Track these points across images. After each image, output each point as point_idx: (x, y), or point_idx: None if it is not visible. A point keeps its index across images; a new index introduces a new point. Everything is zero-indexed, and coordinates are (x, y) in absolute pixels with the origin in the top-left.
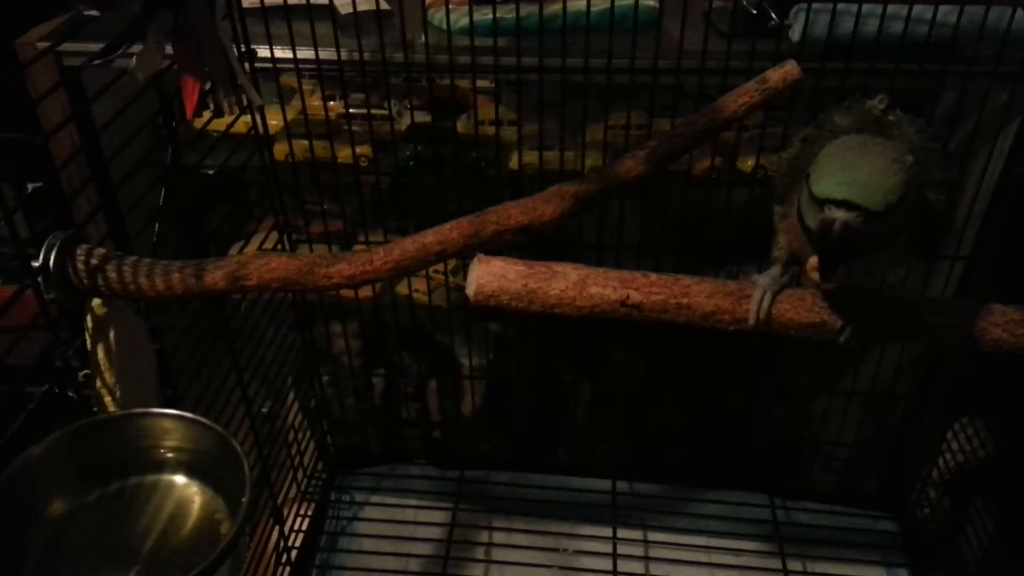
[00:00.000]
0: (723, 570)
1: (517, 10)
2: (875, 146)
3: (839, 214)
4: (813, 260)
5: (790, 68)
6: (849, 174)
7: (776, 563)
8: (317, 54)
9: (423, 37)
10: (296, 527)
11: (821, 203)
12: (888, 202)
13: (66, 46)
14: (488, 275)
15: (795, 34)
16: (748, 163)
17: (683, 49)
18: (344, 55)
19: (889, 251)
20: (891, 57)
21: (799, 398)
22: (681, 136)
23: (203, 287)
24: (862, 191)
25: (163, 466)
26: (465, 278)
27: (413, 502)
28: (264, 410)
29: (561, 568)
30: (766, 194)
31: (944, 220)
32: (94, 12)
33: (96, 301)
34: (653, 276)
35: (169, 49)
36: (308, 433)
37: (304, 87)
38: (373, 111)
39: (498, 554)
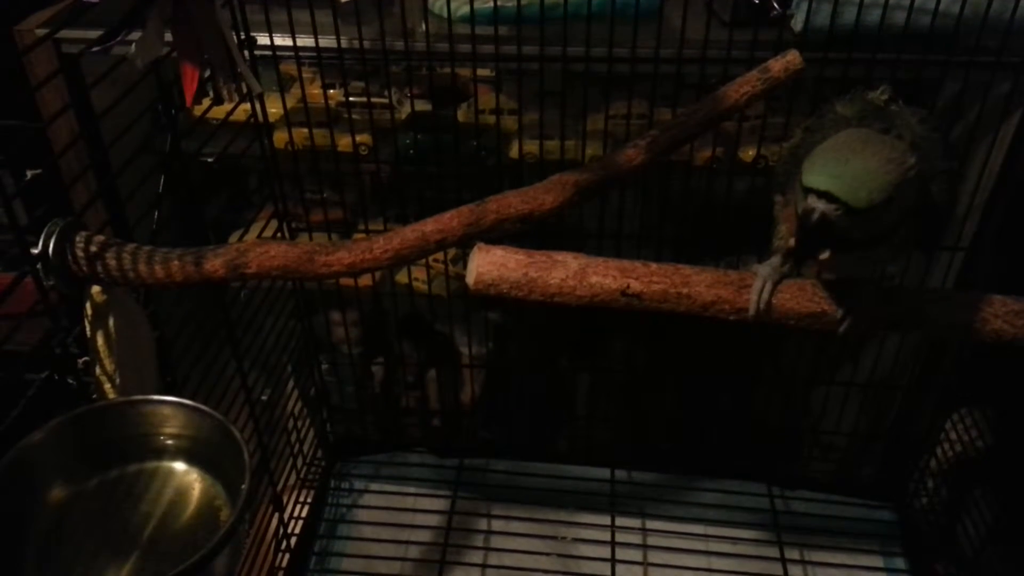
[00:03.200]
0: (721, 558)
1: None
2: (874, 144)
3: (819, 205)
4: (791, 241)
5: (792, 58)
6: (838, 167)
7: (774, 552)
8: (317, 42)
9: (424, 25)
10: (296, 514)
11: (807, 192)
12: (871, 201)
13: (65, 33)
14: (488, 264)
15: (797, 24)
16: (749, 153)
17: (685, 38)
18: (344, 43)
19: (883, 247)
20: (893, 47)
21: (798, 387)
22: (682, 126)
23: (203, 275)
24: (846, 186)
25: (163, 453)
26: (465, 267)
27: (412, 490)
28: (264, 398)
29: (560, 556)
30: (767, 184)
31: (945, 210)
32: None
33: (95, 288)
34: (653, 265)
35: (168, 36)
36: (308, 421)
37: (304, 75)
38: (373, 99)
39: (497, 542)
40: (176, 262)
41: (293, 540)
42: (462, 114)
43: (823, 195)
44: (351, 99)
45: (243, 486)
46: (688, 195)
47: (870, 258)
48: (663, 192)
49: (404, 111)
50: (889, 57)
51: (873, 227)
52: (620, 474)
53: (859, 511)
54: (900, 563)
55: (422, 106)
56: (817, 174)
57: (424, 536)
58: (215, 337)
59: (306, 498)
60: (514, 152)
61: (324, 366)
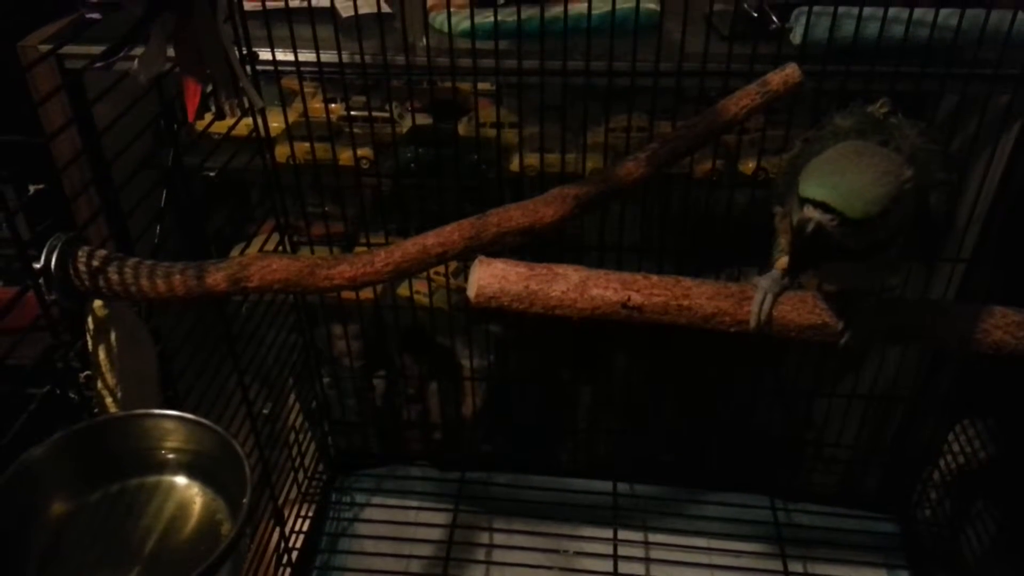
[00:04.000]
0: (724, 572)
1: (518, 13)
2: (872, 156)
3: (815, 214)
4: (784, 259)
5: (791, 71)
6: (834, 178)
7: (777, 564)
8: (319, 56)
9: (424, 40)
10: (297, 528)
11: (804, 202)
12: (868, 212)
13: (68, 49)
14: (489, 277)
15: (796, 37)
16: (749, 165)
17: (684, 52)
18: (345, 57)
19: (878, 260)
20: (892, 60)
21: (800, 400)
22: (682, 138)
23: (204, 289)
24: (842, 196)
25: (164, 467)
26: (466, 280)
27: (414, 503)
28: (265, 411)
29: (562, 569)
30: (767, 196)
31: (944, 222)
32: (96, 15)
33: (97, 303)
34: (654, 278)
35: (171, 52)
36: (309, 434)
37: (305, 89)
38: (374, 113)
39: (499, 555)
40: (178, 276)
41: (294, 554)
42: (463, 128)
43: (819, 205)
44: (352, 113)
45: (244, 500)
46: (688, 207)
47: (867, 269)
48: (663, 205)
49: (405, 125)
50: (888, 70)
51: (869, 238)
52: (622, 487)
53: (862, 523)
54: (904, 575)
55: (423, 120)
56: (813, 185)
57: (426, 550)
58: (216, 351)
59: (307, 512)
60: (515, 165)
61: (325, 379)
